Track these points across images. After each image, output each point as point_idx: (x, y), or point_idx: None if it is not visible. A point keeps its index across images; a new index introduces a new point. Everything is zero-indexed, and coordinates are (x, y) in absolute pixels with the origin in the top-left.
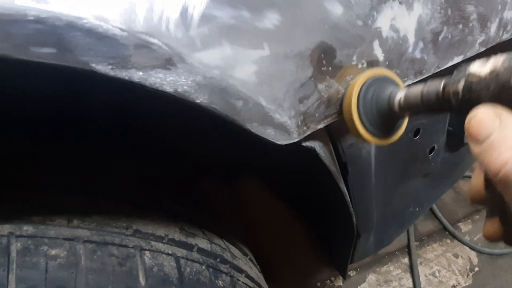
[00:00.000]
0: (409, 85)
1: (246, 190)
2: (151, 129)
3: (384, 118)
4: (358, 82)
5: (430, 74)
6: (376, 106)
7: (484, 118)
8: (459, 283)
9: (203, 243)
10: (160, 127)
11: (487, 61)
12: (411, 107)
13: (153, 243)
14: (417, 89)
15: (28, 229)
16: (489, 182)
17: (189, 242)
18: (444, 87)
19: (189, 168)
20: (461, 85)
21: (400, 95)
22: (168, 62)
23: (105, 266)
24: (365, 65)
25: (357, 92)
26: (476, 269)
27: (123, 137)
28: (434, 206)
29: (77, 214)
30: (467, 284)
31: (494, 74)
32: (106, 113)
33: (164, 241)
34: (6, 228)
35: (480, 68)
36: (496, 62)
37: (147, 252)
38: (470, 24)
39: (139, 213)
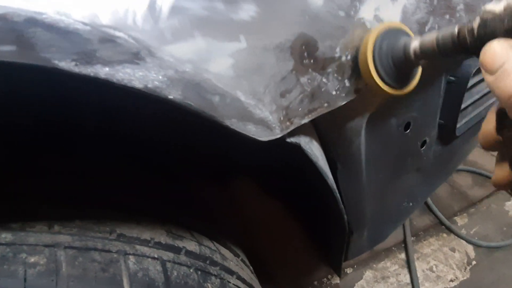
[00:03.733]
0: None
1: (239, 190)
2: (136, 131)
3: (400, 68)
4: (372, 35)
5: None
6: (392, 56)
7: (498, 48)
8: (456, 277)
9: (191, 246)
10: (145, 128)
11: (500, 1)
12: (427, 54)
13: (138, 247)
14: (432, 36)
15: (6, 236)
16: (501, 124)
17: (176, 245)
18: (459, 29)
19: (177, 168)
20: (476, 22)
21: (415, 43)
22: (135, 57)
23: (87, 272)
24: (349, 57)
25: (372, 44)
26: (474, 262)
27: (107, 140)
28: (430, 201)
29: (58, 219)
30: (465, 278)
31: (508, 9)
32: (88, 116)
33: (150, 244)
34: None
35: (495, 6)
36: (509, 0)
37: (131, 257)
38: (457, 14)
39: (124, 216)
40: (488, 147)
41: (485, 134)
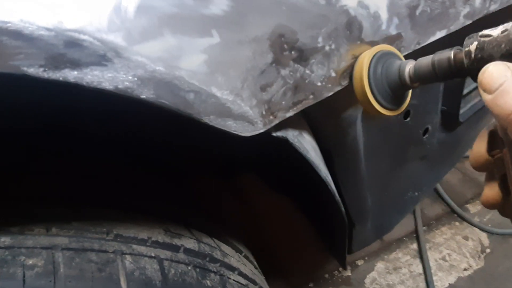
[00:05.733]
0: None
1: (245, 185)
2: (131, 130)
3: (394, 91)
4: (366, 58)
5: (410, 51)
6: (387, 81)
7: (496, 69)
8: (470, 266)
9: (190, 243)
10: (141, 127)
11: (498, 26)
12: (423, 77)
13: (134, 246)
14: (427, 60)
15: (5, 240)
16: (493, 145)
17: (174, 243)
18: (456, 53)
19: (175, 165)
20: (473, 45)
21: (409, 67)
22: (103, 58)
23: (84, 272)
24: (333, 46)
25: (367, 70)
26: (488, 250)
27: (102, 139)
28: (441, 189)
29: (56, 222)
30: (479, 266)
31: (505, 33)
32: (85, 118)
33: (147, 244)
34: None
35: (492, 31)
36: (507, 25)
37: (128, 256)
38: None
39: (121, 216)
40: (478, 167)
41: (476, 154)
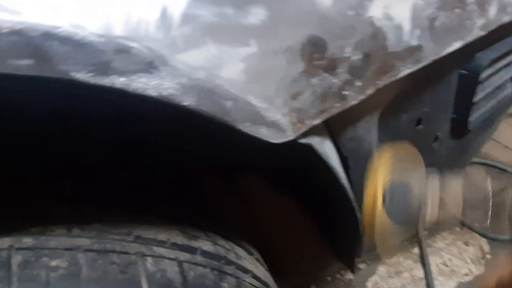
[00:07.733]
0: None
1: (251, 188)
2: (149, 133)
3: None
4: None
5: (429, 62)
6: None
7: None
8: (471, 271)
9: (206, 245)
10: (159, 130)
11: None
12: None
13: (155, 248)
14: None
15: (28, 241)
16: None
17: (192, 245)
18: None
19: (190, 168)
20: None
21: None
22: (150, 66)
23: (107, 274)
24: (360, 56)
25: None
26: (488, 256)
27: (121, 142)
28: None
29: (76, 223)
30: (479, 272)
31: None
32: (101, 121)
33: (166, 245)
34: (6, 241)
35: None
36: None
37: (149, 258)
38: (468, 8)
39: (140, 218)
40: None
41: None
